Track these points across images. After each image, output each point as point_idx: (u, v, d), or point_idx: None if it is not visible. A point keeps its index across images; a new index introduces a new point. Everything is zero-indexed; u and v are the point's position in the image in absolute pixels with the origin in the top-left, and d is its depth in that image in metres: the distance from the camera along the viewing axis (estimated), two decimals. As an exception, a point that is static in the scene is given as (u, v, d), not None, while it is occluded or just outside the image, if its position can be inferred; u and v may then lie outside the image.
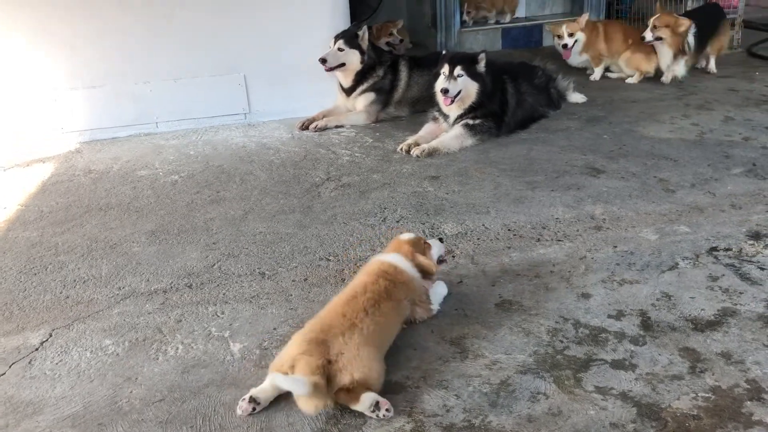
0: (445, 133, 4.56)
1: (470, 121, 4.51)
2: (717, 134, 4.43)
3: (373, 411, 2.06)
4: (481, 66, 4.46)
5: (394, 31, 6.13)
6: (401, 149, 4.41)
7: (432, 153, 4.34)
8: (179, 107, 5.14)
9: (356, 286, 2.40)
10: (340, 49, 4.98)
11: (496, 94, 4.59)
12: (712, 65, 5.80)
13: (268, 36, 5.12)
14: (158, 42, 4.98)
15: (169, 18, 4.94)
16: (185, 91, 5.10)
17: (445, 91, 4.39)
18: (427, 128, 4.68)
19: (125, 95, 5.03)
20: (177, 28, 4.97)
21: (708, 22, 5.60)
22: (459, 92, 4.41)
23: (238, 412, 2.12)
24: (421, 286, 2.55)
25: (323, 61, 4.93)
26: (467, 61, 4.45)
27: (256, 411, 2.12)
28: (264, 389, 2.15)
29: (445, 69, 4.42)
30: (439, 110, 4.64)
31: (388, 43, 6.37)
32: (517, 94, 4.79)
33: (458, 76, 4.39)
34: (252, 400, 2.12)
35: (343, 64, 5.01)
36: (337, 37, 5.00)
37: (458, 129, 4.50)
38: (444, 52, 4.75)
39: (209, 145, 4.80)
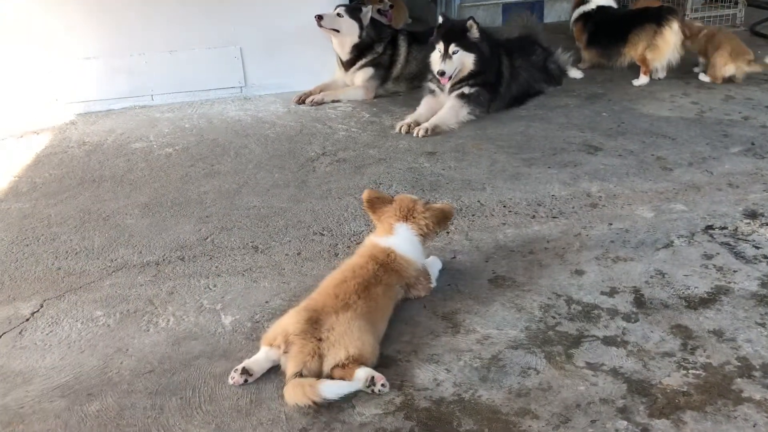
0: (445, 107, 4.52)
1: (465, 90, 4.45)
2: (716, 113, 4.39)
3: (369, 386, 2.05)
4: (474, 33, 4.37)
5: (386, 2, 6.04)
6: (400, 129, 4.31)
7: (435, 131, 4.27)
8: (175, 80, 5.09)
9: (346, 269, 2.38)
10: (338, 15, 4.92)
11: (493, 63, 4.52)
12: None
13: (266, 9, 5.06)
14: (154, 14, 4.92)
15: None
16: (181, 64, 5.05)
17: (441, 74, 4.33)
18: (426, 103, 4.59)
19: (120, 67, 4.98)
20: (173, 0, 4.90)
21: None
22: (455, 69, 4.36)
23: (230, 382, 2.12)
24: (417, 268, 2.51)
25: (319, 17, 4.86)
26: (461, 35, 4.36)
27: (248, 382, 2.12)
28: (257, 360, 2.15)
29: (440, 47, 4.34)
30: (435, 83, 4.58)
31: (378, 11, 6.24)
32: (512, 68, 4.72)
33: (453, 53, 4.33)
34: (244, 371, 2.12)
35: (337, 31, 4.95)
36: (338, 6, 4.95)
37: (453, 100, 4.45)
38: (440, 17, 4.60)
39: (204, 119, 4.76)
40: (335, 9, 4.93)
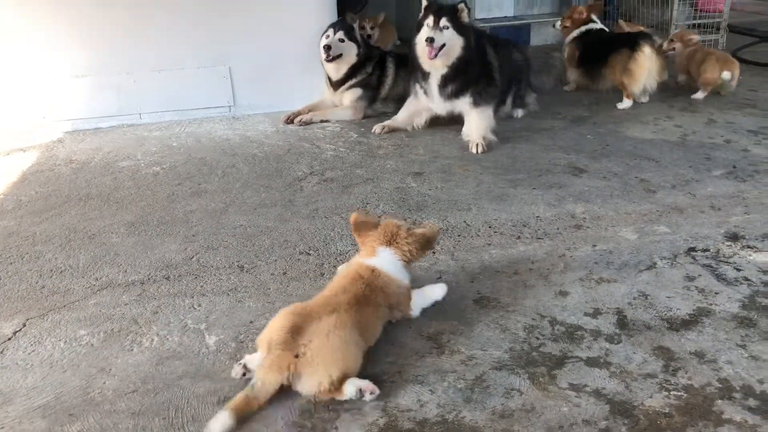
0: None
1: (475, 98, 4.40)
2: (699, 136, 4.46)
3: (360, 398, 2.08)
4: (465, 17, 4.23)
5: (367, 26, 6.09)
6: (375, 131, 4.59)
7: (486, 146, 4.29)
8: (163, 99, 5.10)
9: (334, 287, 2.38)
10: (341, 40, 4.96)
11: (479, 54, 4.40)
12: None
13: (255, 29, 5.10)
14: (142, 33, 4.94)
15: (153, 9, 4.89)
16: (169, 83, 5.07)
17: (430, 40, 4.10)
18: (408, 107, 4.65)
19: (108, 86, 4.99)
20: (162, 19, 4.93)
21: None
22: (443, 45, 4.18)
23: (232, 374, 2.22)
24: (400, 285, 2.50)
25: (328, 48, 4.91)
26: (454, 14, 4.21)
27: (245, 376, 2.20)
28: (253, 360, 2.22)
29: (430, 20, 4.17)
30: (419, 79, 4.48)
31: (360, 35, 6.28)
32: (498, 58, 4.64)
33: (444, 27, 4.15)
34: (244, 366, 2.22)
35: (340, 55, 5.00)
36: (335, 28, 4.98)
37: (475, 113, 4.42)
38: (425, 1, 4.37)
39: (192, 137, 4.77)
40: (335, 33, 4.95)
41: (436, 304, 2.62)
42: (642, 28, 5.45)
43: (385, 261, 2.48)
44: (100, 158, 4.41)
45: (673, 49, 5.36)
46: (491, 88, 4.51)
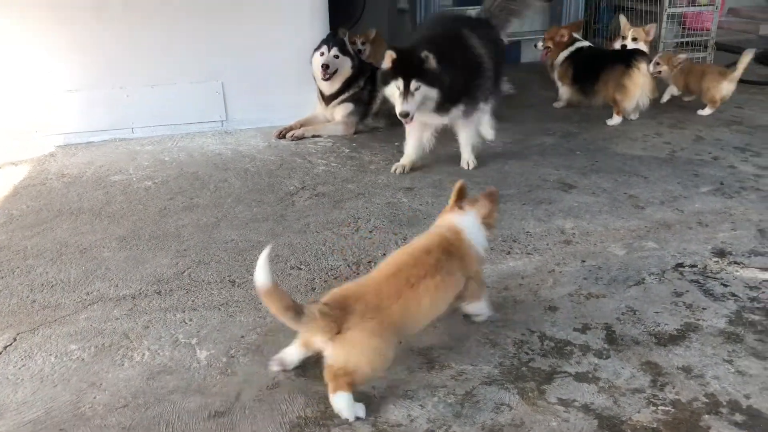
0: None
1: (467, 108, 4.19)
2: (687, 153, 4.51)
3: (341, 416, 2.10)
4: (432, 64, 3.82)
5: (358, 42, 6.14)
6: (395, 170, 4.31)
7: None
8: (156, 113, 5.12)
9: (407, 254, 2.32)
10: (335, 56, 5.00)
11: (458, 81, 4.02)
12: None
13: (247, 44, 5.13)
14: (136, 48, 4.96)
15: (147, 25, 4.92)
16: (162, 98, 5.09)
17: (405, 115, 3.87)
18: (412, 134, 4.33)
19: (101, 100, 5.00)
20: (155, 34, 4.96)
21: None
22: (420, 104, 3.91)
23: (272, 367, 2.34)
24: (480, 258, 2.46)
25: (326, 66, 4.94)
26: (420, 68, 3.83)
27: (283, 370, 2.33)
28: (289, 353, 2.32)
29: (399, 84, 3.85)
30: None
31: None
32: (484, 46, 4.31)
33: (416, 89, 3.84)
34: (279, 360, 2.33)
35: (336, 71, 5.04)
36: (329, 44, 5.01)
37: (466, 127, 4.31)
38: (389, 52, 3.91)
39: (185, 152, 4.79)
40: (329, 50, 4.97)
41: (426, 319, 2.64)
42: (645, 29, 5.51)
43: (472, 224, 2.45)
44: (92, 172, 4.42)
45: (660, 72, 5.38)
46: (481, 92, 4.29)
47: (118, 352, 2.51)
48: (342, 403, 2.09)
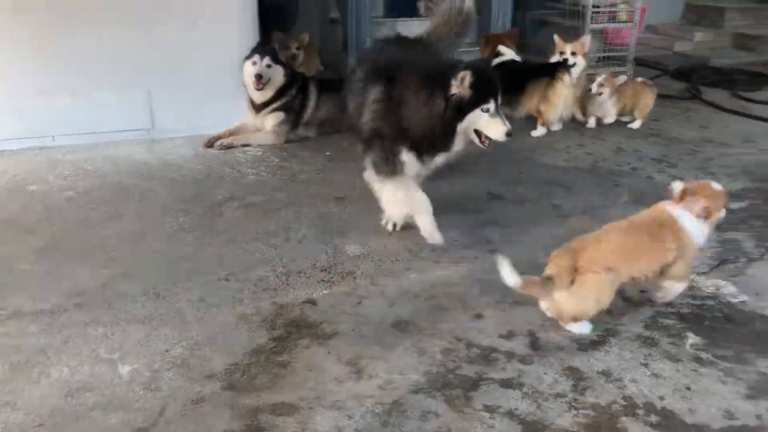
0: None
1: None
2: (609, 163, 4.68)
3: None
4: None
5: (292, 47, 6.10)
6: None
7: None
8: (78, 121, 4.93)
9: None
10: (268, 66, 4.95)
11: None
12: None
13: (174, 52, 5.02)
14: (56, 54, 4.75)
15: (68, 30, 4.74)
16: (84, 105, 4.91)
17: (511, 134, 3.31)
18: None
19: (16, 107, 4.78)
20: (77, 40, 4.78)
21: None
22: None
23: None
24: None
25: (259, 77, 4.89)
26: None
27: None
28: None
29: (490, 107, 3.24)
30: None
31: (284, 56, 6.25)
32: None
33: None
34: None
35: (269, 80, 4.99)
36: (261, 54, 4.96)
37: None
38: None
39: (109, 161, 4.65)
40: (261, 60, 4.92)
41: (356, 329, 2.65)
42: (581, 43, 5.61)
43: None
44: (5, 182, 4.22)
45: (601, 93, 5.38)
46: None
47: (35, 369, 2.41)
48: (576, 329, 2.62)
